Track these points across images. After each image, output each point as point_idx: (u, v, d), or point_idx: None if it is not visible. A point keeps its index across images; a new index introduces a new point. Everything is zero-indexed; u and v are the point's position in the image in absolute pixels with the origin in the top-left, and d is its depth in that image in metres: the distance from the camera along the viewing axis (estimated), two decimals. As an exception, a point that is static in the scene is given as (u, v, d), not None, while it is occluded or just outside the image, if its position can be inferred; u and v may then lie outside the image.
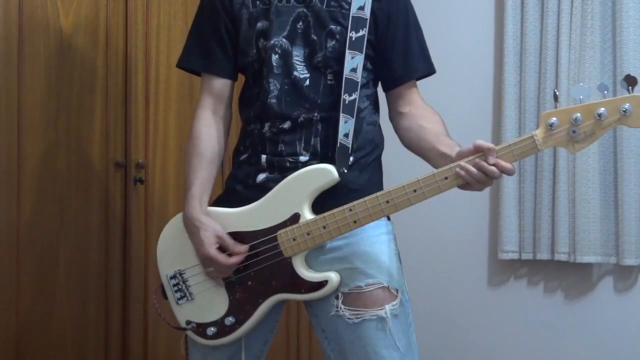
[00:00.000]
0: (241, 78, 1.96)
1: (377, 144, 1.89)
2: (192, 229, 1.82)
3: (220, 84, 1.91)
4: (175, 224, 1.92)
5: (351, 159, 1.82)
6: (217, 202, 1.91)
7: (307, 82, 1.81)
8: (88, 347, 2.62)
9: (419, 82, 1.93)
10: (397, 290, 1.79)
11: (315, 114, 1.81)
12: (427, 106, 1.90)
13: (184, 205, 1.85)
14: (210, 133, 1.89)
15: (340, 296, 1.77)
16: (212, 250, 1.78)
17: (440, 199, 3.22)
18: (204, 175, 1.86)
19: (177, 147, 2.82)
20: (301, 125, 1.81)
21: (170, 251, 1.90)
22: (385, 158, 1.93)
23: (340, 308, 1.77)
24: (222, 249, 1.80)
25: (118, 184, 2.68)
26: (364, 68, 1.83)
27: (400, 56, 1.86)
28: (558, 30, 3.00)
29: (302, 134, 1.81)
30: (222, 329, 1.83)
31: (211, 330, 1.84)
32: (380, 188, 1.81)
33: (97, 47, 2.63)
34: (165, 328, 2.73)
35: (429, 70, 1.92)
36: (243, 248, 1.79)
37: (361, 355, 1.76)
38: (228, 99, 1.93)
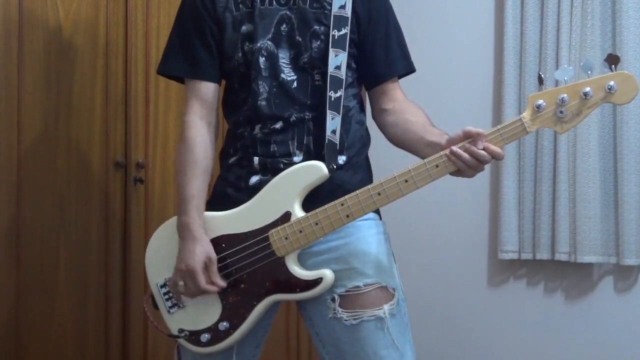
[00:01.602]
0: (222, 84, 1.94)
1: (366, 142, 1.90)
2: (188, 238, 1.80)
3: (209, 89, 1.88)
4: (161, 233, 1.90)
5: (343, 158, 1.82)
6: (207, 205, 1.87)
7: (295, 84, 1.81)
8: (88, 347, 2.62)
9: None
10: (394, 290, 1.78)
11: (307, 114, 1.81)
12: (410, 101, 1.91)
13: (181, 214, 1.82)
14: (202, 141, 1.87)
15: (336, 298, 1.76)
16: (199, 266, 1.76)
17: (440, 199, 3.25)
18: (201, 185, 1.84)
19: (177, 147, 2.82)
20: (293, 125, 1.81)
21: (159, 260, 1.88)
22: (375, 157, 1.94)
23: (338, 311, 1.75)
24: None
25: (118, 184, 2.68)
26: (349, 67, 1.84)
27: (381, 54, 1.87)
28: (558, 30, 3.00)
29: (294, 133, 1.81)
30: (217, 334, 1.81)
31: (205, 337, 1.81)
32: None
33: (97, 47, 2.63)
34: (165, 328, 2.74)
35: (409, 69, 1.92)
36: (223, 283, 1.78)
37: (361, 357, 1.75)
38: (215, 104, 1.91)
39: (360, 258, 1.78)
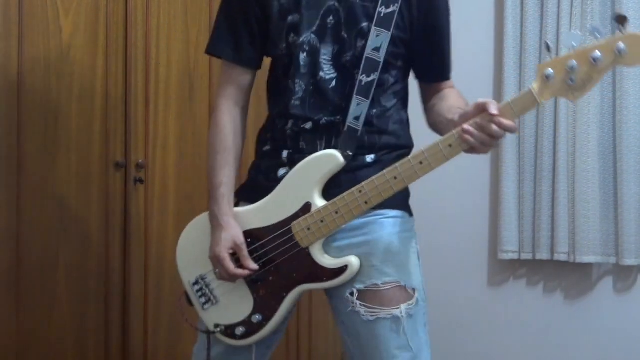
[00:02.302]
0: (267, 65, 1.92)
1: (403, 144, 1.84)
2: (216, 227, 1.81)
3: (246, 75, 1.87)
4: (190, 230, 1.92)
5: (372, 157, 1.79)
6: (240, 190, 1.89)
7: (333, 84, 1.77)
8: (88, 347, 2.62)
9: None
10: (413, 290, 1.78)
11: (339, 117, 1.78)
12: (454, 88, 1.90)
13: (211, 203, 1.83)
14: (234, 127, 1.86)
15: (355, 292, 1.76)
16: (224, 252, 1.77)
17: (441, 199, 3.25)
18: (231, 172, 1.84)
19: (177, 147, 2.82)
20: (323, 127, 1.79)
21: (190, 257, 1.90)
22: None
23: (356, 304, 1.76)
24: (236, 256, 1.79)
25: (118, 184, 2.68)
26: (394, 67, 1.79)
27: (438, 53, 1.85)
28: (558, 30, 3.00)
29: (323, 134, 1.79)
30: (251, 327, 1.83)
31: (240, 330, 1.83)
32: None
33: (97, 47, 2.62)
34: (165, 328, 2.74)
35: (449, 76, 1.91)
36: (254, 266, 1.78)
37: (375, 353, 1.76)
38: (250, 90, 1.90)
39: (381, 257, 1.77)
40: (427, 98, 1.90)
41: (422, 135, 1.84)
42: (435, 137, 1.70)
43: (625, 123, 2.90)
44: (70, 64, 2.56)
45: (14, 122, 2.42)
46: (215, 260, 1.80)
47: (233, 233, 1.79)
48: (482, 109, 1.61)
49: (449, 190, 3.26)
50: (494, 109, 1.58)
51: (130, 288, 2.70)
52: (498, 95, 3.19)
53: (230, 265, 1.77)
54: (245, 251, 1.79)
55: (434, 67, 1.87)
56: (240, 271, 1.78)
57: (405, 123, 1.87)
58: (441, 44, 1.86)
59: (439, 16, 1.83)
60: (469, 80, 3.26)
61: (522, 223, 3.11)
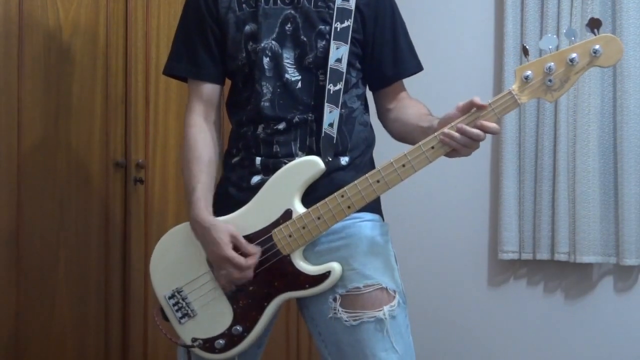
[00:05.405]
0: (227, 83, 1.95)
1: (370, 143, 1.90)
2: (203, 231, 1.78)
3: (210, 90, 1.89)
4: (163, 243, 1.90)
5: (346, 159, 1.82)
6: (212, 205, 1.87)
7: (299, 85, 1.81)
8: (88, 347, 2.62)
9: (410, 82, 1.95)
10: (394, 292, 1.78)
11: (310, 115, 1.81)
12: (412, 98, 1.92)
13: (190, 210, 1.81)
14: (205, 138, 1.86)
15: (337, 298, 1.76)
16: (229, 250, 1.74)
17: (441, 199, 3.25)
18: (206, 179, 1.83)
19: (177, 147, 2.82)
20: (296, 126, 1.81)
21: (163, 271, 1.87)
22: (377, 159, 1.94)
23: (338, 310, 1.75)
24: (235, 249, 1.76)
25: (118, 184, 2.69)
26: (353, 67, 1.84)
27: (389, 56, 1.87)
28: (558, 30, 3.00)
29: (297, 134, 1.81)
30: (231, 339, 1.80)
31: (219, 343, 1.80)
32: None
33: (97, 47, 2.63)
34: (165, 328, 2.74)
35: (418, 68, 1.93)
36: (256, 248, 1.76)
37: (360, 358, 1.74)
38: (218, 104, 1.92)
39: (361, 260, 1.77)
40: (386, 108, 1.92)
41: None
42: (400, 145, 1.74)
43: (626, 123, 2.90)
44: (70, 64, 2.56)
45: (14, 122, 2.42)
46: (221, 260, 1.75)
47: (224, 228, 1.76)
48: (465, 110, 1.66)
49: (449, 190, 3.26)
50: (480, 106, 1.64)
51: (130, 288, 2.70)
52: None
53: (241, 260, 1.74)
54: (242, 239, 1.76)
55: (388, 66, 1.88)
56: (251, 260, 1.75)
57: (369, 126, 1.91)
58: (392, 41, 1.88)
59: (385, 10, 1.87)
60: (469, 80, 3.28)
61: (522, 223, 3.11)
